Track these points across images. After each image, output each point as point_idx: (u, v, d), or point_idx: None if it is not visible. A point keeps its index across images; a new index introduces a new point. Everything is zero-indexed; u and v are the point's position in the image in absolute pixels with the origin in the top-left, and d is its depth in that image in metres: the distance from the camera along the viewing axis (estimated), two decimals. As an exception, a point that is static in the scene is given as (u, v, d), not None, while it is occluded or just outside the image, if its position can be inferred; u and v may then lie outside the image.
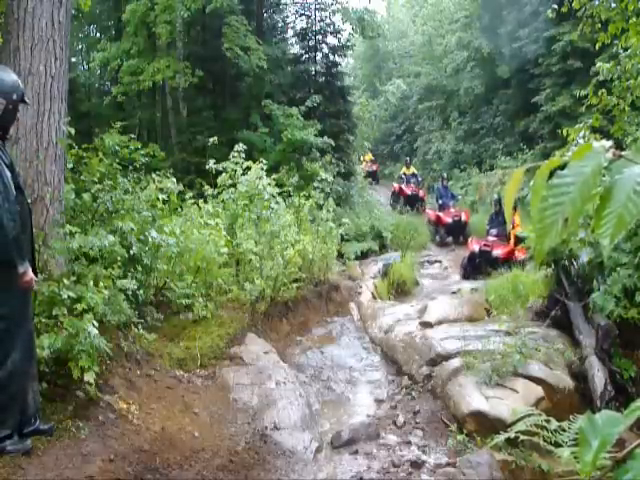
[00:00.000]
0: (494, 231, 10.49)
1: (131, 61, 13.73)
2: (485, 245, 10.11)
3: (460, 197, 15.35)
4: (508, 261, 9.51)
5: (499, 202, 10.73)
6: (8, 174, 2.94)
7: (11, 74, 3.16)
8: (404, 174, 17.64)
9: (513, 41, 16.65)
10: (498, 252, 9.81)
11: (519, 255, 9.83)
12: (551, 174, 0.79)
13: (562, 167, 0.77)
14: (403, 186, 16.99)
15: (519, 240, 10.19)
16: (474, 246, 10.28)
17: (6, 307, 2.97)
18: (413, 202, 16.43)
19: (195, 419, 3.96)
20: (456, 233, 13.23)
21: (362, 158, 19.78)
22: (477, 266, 10.07)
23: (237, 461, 3.60)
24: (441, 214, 13.32)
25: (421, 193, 17.06)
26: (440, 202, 13.89)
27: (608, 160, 0.74)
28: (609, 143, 0.76)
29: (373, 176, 20.95)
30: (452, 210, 13.32)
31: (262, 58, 12.98)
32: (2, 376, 2.96)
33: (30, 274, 2.99)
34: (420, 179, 18.15)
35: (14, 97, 3.05)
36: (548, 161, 0.79)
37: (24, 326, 3.07)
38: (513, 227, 10.00)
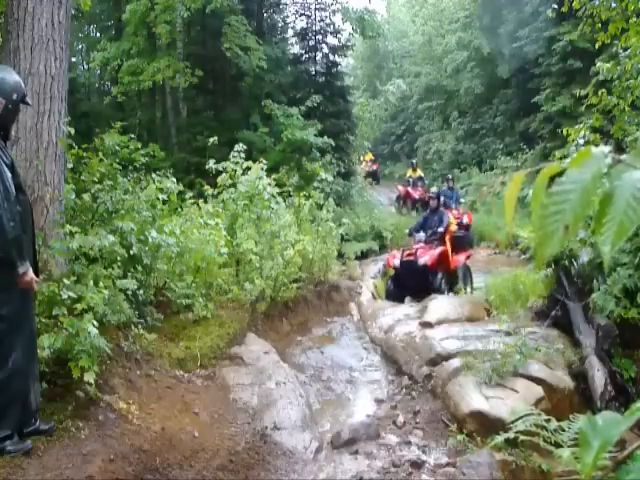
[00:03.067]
0: (421, 235, 8.36)
1: (131, 61, 13.74)
2: (408, 255, 8.08)
3: (463, 200, 15.19)
4: (443, 267, 7.97)
5: (438, 197, 9.08)
6: (8, 174, 2.93)
7: (13, 74, 3.17)
8: (410, 177, 17.19)
9: (513, 41, 16.69)
10: (425, 259, 7.78)
11: (459, 260, 8.34)
12: (551, 179, 0.79)
13: (562, 173, 0.77)
14: (410, 189, 16.59)
15: (459, 243, 8.67)
16: (394, 261, 8.20)
17: (7, 307, 2.97)
18: (420, 206, 15.94)
19: (195, 419, 3.96)
20: None
21: (362, 158, 19.69)
22: (407, 286, 7.95)
23: (237, 461, 3.60)
24: None
25: (427, 197, 16.71)
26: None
27: (607, 166, 0.74)
28: (608, 148, 0.76)
29: (374, 176, 20.90)
30: (455, 212, 13.27)
31: (262, 58, 12.99)
32: (3, 377, 2.96)
33: (30, 274, 2.98)
34: (427, 182, 17.55)
35: (14, 97, 3.04)
36: (547, 167, 0.79)
37: (25, 326, 3.07)
38: (446, 231, 8.44)
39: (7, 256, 2.90)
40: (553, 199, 0.74)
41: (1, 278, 2.96)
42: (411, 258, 7.97)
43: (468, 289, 8.31)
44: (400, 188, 17.56)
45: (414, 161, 18.73)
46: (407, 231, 9.05)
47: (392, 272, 8.31)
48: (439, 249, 8.08)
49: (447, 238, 8.45)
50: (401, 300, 7.94)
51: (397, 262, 8.10)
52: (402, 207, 16.83)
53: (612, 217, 0.70)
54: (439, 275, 7.82)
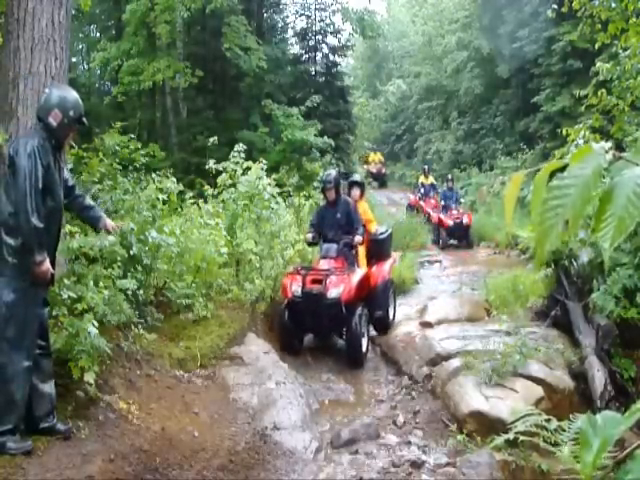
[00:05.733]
0: (330, 248, 5.99)
1: (131, 61, 13.73)
2: (312, 282, 5.62)
3: (463, 200, 15.00)
4: (363, 296, 5.79)
5: (336, 185, 6.30)
6: (41, 172, 3.01)
7: (73, 93, 3.36)
8: (422, 184, 15.81)
9: (513, 41, 16.69)
10: (338, 291, 5.47)
11: (381, 273, 6.26)
12: (551, 176, 0.79)
13: (562, 169, 0.77)
14: (422, 202, 15.33)
15: (379, 248, 6.54)
16: (293, 288, 5.65)
17: (13, 295, 3.00)
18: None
19: (195, 419, 3.96)
20: (459, 236, 13.11)
21: (369, 158, 19.16)
22: (309, 323, 5.77)
23: (237, 461, 3.60)
24: (442, 216, 13.25)
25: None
26: (443, 203, 13.77)
27: (608, 162, 0.74)
28: (609, 144, 0.76)
29: (377, 177, 20.34)
30: (454, 212, 13.25)
31: (262, 58, 13.01)
32: (8, 370, 2.97)
33: (47, 265, 3.03)
34: (439, 190, 15.72)
35: (71, 114, 3.21)
36: (548, 163, 0.79)
37: (32, 322, 3.07)
38: (363, 231, 6.15)
39: (26, 241, 2.96)
40: (553, 193, 0.74)
41: (13, 267, 3.00)
42: (317, 288, 5.56)
43: (391, 312, 6.50)
44: (411, 197, 16.83)
45: (426, 167, 17.03)
46: (308, 236, 6.32)
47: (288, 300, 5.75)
48: (358, 275, 5.78)
49: (365, 240, 6.29)
50: (296, 342, 5.89)
51: (298, 290, 5.60)
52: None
53: (612, 213, 0.70)
54: (358, 311, 5.55)
